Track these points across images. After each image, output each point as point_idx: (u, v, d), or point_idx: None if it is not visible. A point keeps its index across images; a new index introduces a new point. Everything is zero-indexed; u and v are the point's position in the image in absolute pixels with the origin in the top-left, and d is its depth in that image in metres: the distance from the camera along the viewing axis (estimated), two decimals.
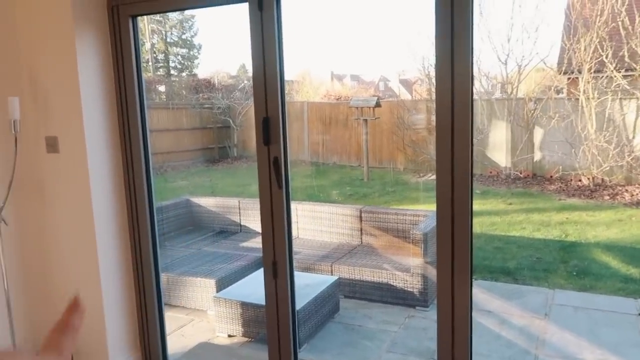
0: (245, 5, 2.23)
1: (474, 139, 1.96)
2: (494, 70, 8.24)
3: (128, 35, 2.55)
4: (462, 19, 1.83)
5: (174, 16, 14.34)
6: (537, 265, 5.06)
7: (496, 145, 8.02)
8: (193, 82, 12.98)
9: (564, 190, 7.26)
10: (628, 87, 6.90)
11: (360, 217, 4.88)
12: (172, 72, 15.05)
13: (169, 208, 5.58)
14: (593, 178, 7.14)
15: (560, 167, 7.48)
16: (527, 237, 5.83)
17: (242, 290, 3.74)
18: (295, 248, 3.19)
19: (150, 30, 13.74)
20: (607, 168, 7.01)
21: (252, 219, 5.39)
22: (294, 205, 2.92)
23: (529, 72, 8.01)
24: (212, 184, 9.38)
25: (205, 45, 14.90)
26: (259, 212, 2.37)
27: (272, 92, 2.23)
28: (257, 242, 4.78)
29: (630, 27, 6.84)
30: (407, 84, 11.65)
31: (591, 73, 7.09)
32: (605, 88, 6.99)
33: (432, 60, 8.00)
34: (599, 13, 7.01)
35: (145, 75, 2.70)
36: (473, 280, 2.04)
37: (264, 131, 2.25)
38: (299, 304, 3.12)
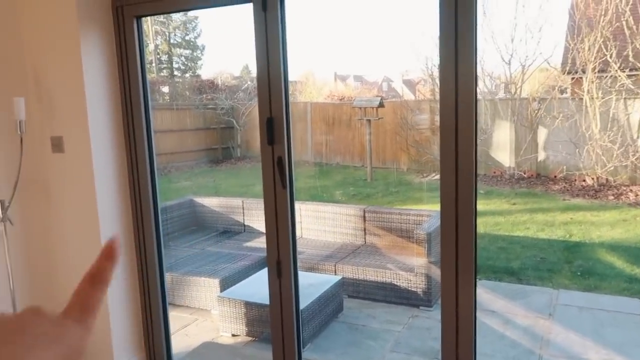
0: (250, 6, 2.23)
1: (477, 139, 1.96)
2: (498, 70, 8.22)
3: (133, 36, 2.57)
4: (466, 19, 1.84)
5: (177, 17, 14.38)
6: (541, 265, 5.05)
7: (500, 145, 8.00)
8: (196, 83, 13.02)
9: (568, 190, 7.24)
10: (632, 87, 6.87)
11: (364, 217, 4.88)
12: (175, 73, 15.09)
13: (173, 208, 5.60)
14: (597, 178, 7.11)
15: (564, 167, 7.46)
16: (531, 237, 5.82)
17: (245, 289, 3.75)
18: (299, 248, 3.21)
19: (153, 31, 13.78)
20: (612, 168, 6.99)
21: (256, 219, 5.40)
22: (297, 206, 2.91)
23: (532, 72, 7.99)
24: (216, 185, 9.40)
25: (208, 46, 14.93)
26: (262, 212, 2.38)
27: (276, 92, 2.24)
28: (260, 242, 4.79)
29: (634, 27, 6.82)
30: (410, 85, 11.64)
31: (595, 73, 7.07)
32: (610, 88, 6.97)
33: (436, 60, 8.02)
34: (603, 13, 6.99)
35: (149, 76, 2.71)
36: (477, 280, 2.04)
37: (268, 131, 2.26)
38: (303, 304, 3.12)
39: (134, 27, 2.57)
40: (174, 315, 3.83)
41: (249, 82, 11.21)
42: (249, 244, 5.13)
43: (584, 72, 7.19)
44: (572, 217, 6.31)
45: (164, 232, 2.81)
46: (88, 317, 0.35)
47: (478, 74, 1.93)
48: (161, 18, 13.72)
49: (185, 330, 3.71)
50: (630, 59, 6.79)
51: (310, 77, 11.98)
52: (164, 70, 14.70)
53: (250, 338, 3.54)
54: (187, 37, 15.04)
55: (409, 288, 3.97)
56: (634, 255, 5.27)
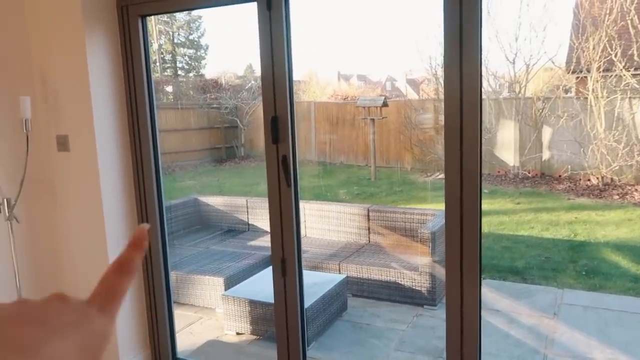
0: (254, 5, 2.24)
1: (482, 139, 1.96)
2: (502, 70, 8.21)
3: (137, 35, 2.58)
4: (470, 18, 1.83)
5: (181, 17, 14.40)
6: (545, 265, 5.04)
7: (504, 144, 7.98)
8: (200, 83, 13.03)
9: (572, 189, 7.22)
10: (637, 86, 6.84)
11: (368, 216, 4.88)
12: (179, 72, 15.11)
13: (178, 207, 5.62)
14: (602, 177, 7.09)
15: (569, 166, 7.44)
16: (536, 237, 5.81)
17: (250, 288, 3.76)
18: (303, 247, 3.20)
19: (157, 31, 13.81)
20: (617, 167, 6.96)
21: (260, 218, 5.41)
22: (301, 205, 2.90)
23: (537, 72, 7.97)
24: (220, 184, 9.42)
25: (212, 45, 14.95)
26: (266, 211, 2.38)
27: (280, 91, 2.24)
28: (264, 241, 4.80)
29: (639, 26, 6.79)
30: (414, 84, 11.62)
31: (600, 72, 7.04)
32: (615, 87, 6.94)
33: (440, 59, 8.02)
34: (607, 12, 6.96)
35: (153, 76, 2.72)
36: (481, 279, 2.04)
37: (272, 130, 2.26)
38: (307, 302, 3.13)
39: (139, 26, 2.57)
40: (178, 314, 3.84)
41: (252, 82, 11.22)
42: (253, 242, 5.14)
43: (588, 71, 7.16)
44: (577, 216, 6.29)
45: (168, 230, 2.82)
46: (112, 306, 0.36)
47: (482, 73, 1.93)
48: (165, 17, 13.75)
49: (190, 329, 3.72)
50: (635, 58, 6.76)
51: (314, 76, 11.97)
52: (168, 70, 14.73)
53: (254, 336, 3.55)
54: (190, 37, 15.06)
55: (413, 287, 3.97)
56: (639, 254, 5.25)
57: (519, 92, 7.98)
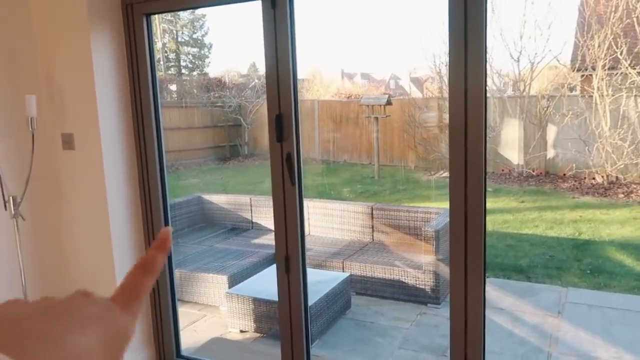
0: (258, 3, 2.24)
1: (486, 137, 1.96)
2: (506, 68, 8.18)
3: (142, 33, 2.58)
4: (475, 16, 1.83)
5: (184, 15, 14.41)
6: (550, 263, 5.03)
7: (508, 143, 7.96)
8: (204, 81, 13.04)
9: (577, 188, 7.19)
10: None
11: (372, 214, 4.88)
12: (183, 71, 15.12)
13: (182, 205, 5.63)
14: (607, 176, 7.06)
15: (574, 164, 7.41)
16: (540, 235, 5.79)
17: (254, 286, 3.77)
18: (306, 245, 3.20)
19: (161, 29, 13.83)
20: (622, 166, 6.93)
21: (264, 216, 5.42)
22: (305, 203, 2.91)
23: (541, 70, 7.93)
24: (224, 182, 9.43)
25: (216, 44, 14.95)
26: (270, 209, 2.39)
27: (285, 89, 2.25)
28: (268, 239, 4.80)
29: None
30: (418, 82, 11.59)
31: (605, 70, 7.01)
32: (620, 85, 6.91)
33: (444, 58, 8.00)
34: (613, 9, 6.92)
35: (157, 74, 2.72)
36: (486, 277, 2.03)
37: (277, 128, 2.27)
38: (311, 300, 3.13)
39: (144, 25, 2.58)
40: (182, 311, 3.85)
41: (256, 80, 11.22)
42: (257, 240, 5.15)
43: (593, 69, 7.13)
44: (582, 215, 6.27)
45: (172, 228, 2.83)
46: (134, 304, 0.36)
47: (487, 71, 1.93)
48: (169, 16, 13.76)
49: (194, 326, 3.74)
50: None
51: (317, 74, 11.96)
52: (172, 69, 14.75)
53: (258, 334, 3.56)
54: (194, 35, 15.07)
55: (417, 285, 3.97)
56: None
57: (524, 90, 7.95)
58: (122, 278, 0.37)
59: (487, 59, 1.91)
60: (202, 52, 15.30)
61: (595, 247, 5.41)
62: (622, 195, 6.77)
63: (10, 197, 2.46)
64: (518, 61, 7.90)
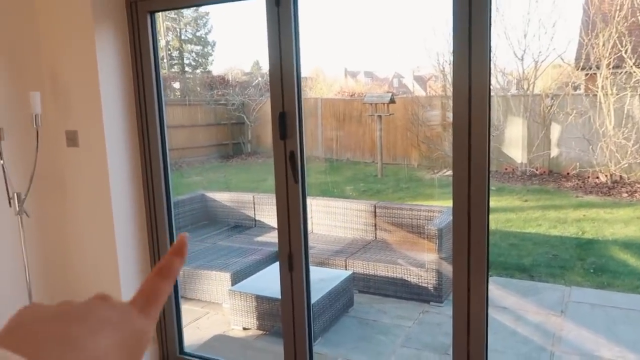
0: (262, 1, 2.24)
1: (490, 135, 1.96)
2: (510, 66, 8.15)
3: (146, 31, 2.59)
4: (480, 15, 1.83)
5: (188, 13, 14.42)
6: (553, 262, 5.02)
7: (512, 141, 7.94)
8: (207, 79, 13.05)
9: (581, 187, 7.17)
10: None
11: (375, 212, 4.88)
12: (186, 69, 15.14)
13: (185, 202, 5.65)
14: (611, 175, 7.04)
15: (577, 163, 7.39)
16: (543, 234, 5.78)
17: (256, 283, 3.77)
18: (309, 243, 3.21)
19: (165, 27, 13.85)
20: (626, 165, 6.91)
21: (267, 214, 5.43)
22: (308, 201, 2.91)
23: (545, 68, 7.91)
24: (227, 180, 9.45)
25: (219, 42, 14.96)
26: (273, 207, 2.39)
27: (288, 87, 2.25)
28: (271, 237, 4.81)
29: None
30: (421, 81, 11.57)
31: (610, 69, 6.98)
32: (624, 84, 6.88)
33: (447, 56, 7.98)
34: (618, 8, 6.89)
35: (161, 72, 2.73)
36: (488, 276, 2.03)
37: (280, 126, 2.27)
38: (314, 298, 3.14)
39: (148, 22, 2.58)
40: (185, 309, 3.87)
41: (259, 78, 11.23)
42: (259, 238, 5.16)
43: (598, 68, 7.10)
44: (585, 214, 6.25)
45: (176, 226, 2.84)
46: (152, 308, 0.37)
47: (491, 70, 1.92)
48: (172, 14, 13.77)
49: (197, 323, 3.75)
50: None
51: (321, 73, 11.96)
52: (175, 67, 14.77)
53: (261, 331, 3.57)
54: (198, 33, 15.08)
55: (420, 284, 3.97)
56: None
57: (528, 89, 7.93)
58: (141, 282, 0.38)
59: (491, 58, 1.91)
60: (206, 50, 15.31)
61: (599, 246, 5.39)
62: (626, 195, 6.75)
63: (15, 194, 2.47)
64: (522, 60, 7.88)
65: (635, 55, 6.77)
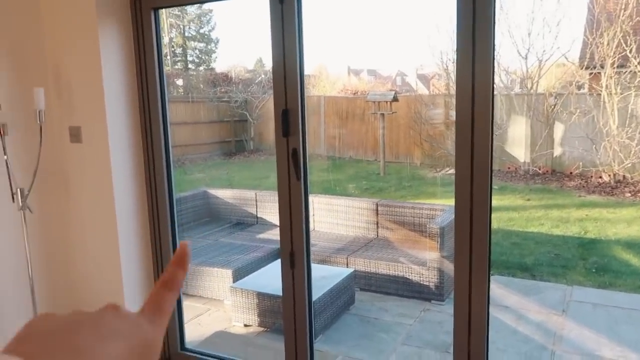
0: None
1: (493, 134, 1.95)
2: (514, 65, 8.12)
3: (150, 28, 2.59)
4: (484, 13, 1.82)
5: (192, 10, 14.41)
6: (555, 262, 5.01)
7: (515, 140, 7.92)
8: (210, 76, 13.05)
9: (583, 186, 7.15)
10: None
11: (377, 210, 4.88)
12: (189, 66, 15.14)
13: (187, 199, 5.65)
14: (614, 175, 7.01)
15: (581, 163, 7.37)
16: (546, 234, 5.77)
17: (258, 280, 3.78)
18: (311, 240, 3.21)
19: (168, 24, 13.85)
20: (629, 165, 6.89)
21: (269, 211, 5.43)
22: (310, 198, 2.90)
23: (549, 67, 7.88)
24: (229, 177, 9.46)
25: (222, 39, 14.95)
26: (275, 204, 2.39)
27: (291, 84, 2.25)
28: (273, 234, 4.82)
29: None
30: (424, 79, 11.55)
31: (614, 68, 6.95)
32: (629, 83, 6.85)
33: (451, 55, 7.95)
34: (623, 7, 6.86)
35: (164, 69, 2.73)
36: (490, 275, 2.03)
37: (283, 123, 2.27)
38: (315, 295, 3.14)
39: (152, 19, 2.59)
40: (187, 305, 3.88)
41: (262, 76, 11.22)
42: (261, 235, 5.16)
43: (602, 67, 7.07)
44: (588, 213, 6.24)
45: (178, 223, 2.85)
46: (160, 317, 0.38)
47: (494, 68, 1.92)
48: (176, 11, 13.77)
49: (198, 320, 3.76)
50: None
51: (324, 71, 11.94)
52: (179, 63, 14.77)
53: (262, 328, 3.58)
54: (201, 30, 15.08)
55: (421, 282, 3.97)
56: None
57: (531, 87, 7.90)
58: (148, 293, 0.39)
59: (495, 56, 1.90)
60: (209, 47, 15.30)
61: (601, 246, 5.38)
62: (629, 194, 6.73)
63: (18, 190, 2.48)
64: (526, 58, 7.85)
65: None
